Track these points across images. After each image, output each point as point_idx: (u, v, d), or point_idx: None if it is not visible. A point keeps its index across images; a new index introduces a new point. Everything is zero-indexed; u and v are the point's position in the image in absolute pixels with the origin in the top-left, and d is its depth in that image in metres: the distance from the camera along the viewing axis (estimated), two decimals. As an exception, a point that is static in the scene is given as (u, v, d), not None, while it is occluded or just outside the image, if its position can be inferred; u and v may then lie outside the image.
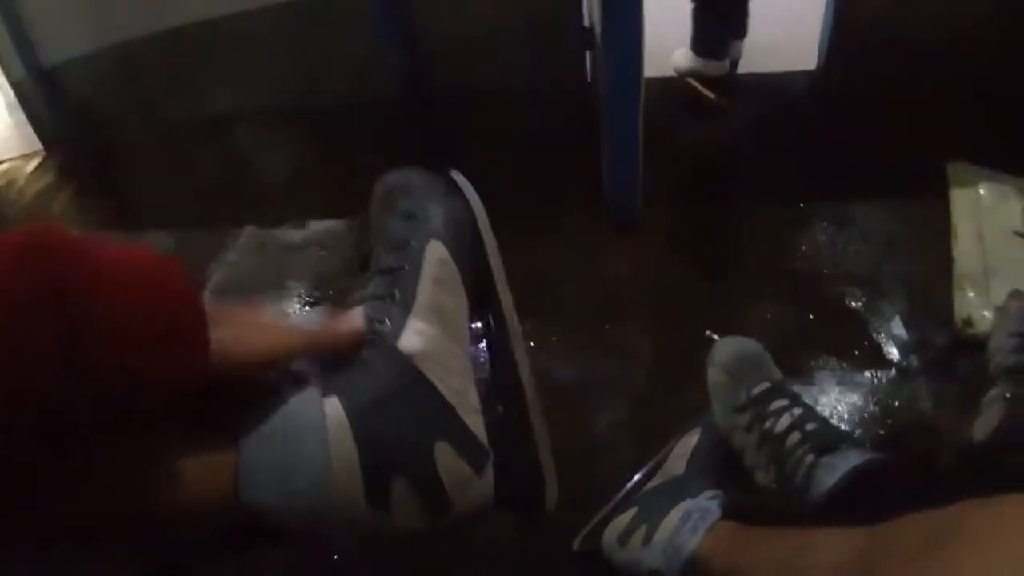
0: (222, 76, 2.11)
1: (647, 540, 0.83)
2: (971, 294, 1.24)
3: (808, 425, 0.89)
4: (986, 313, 1.20)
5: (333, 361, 0.58)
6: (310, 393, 0.53)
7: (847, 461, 0.83)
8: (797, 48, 1.89)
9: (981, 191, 1.41)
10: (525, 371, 0.65)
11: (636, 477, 0.99)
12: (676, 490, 0.87)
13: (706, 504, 0.81)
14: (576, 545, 0.96)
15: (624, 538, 0.87)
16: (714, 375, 1.01)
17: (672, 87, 1.85)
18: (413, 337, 0.58)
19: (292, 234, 1.63)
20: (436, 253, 0.64)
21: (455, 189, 0.68)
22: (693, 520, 0.79)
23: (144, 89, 2.17)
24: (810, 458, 0.85)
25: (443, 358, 0.59)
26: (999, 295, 1.22)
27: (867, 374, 1.17)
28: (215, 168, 1.95)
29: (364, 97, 2.02)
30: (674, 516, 0.81)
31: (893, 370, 1.17)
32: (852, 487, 0.81)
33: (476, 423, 0.59)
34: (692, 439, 0.95)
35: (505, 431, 0.62)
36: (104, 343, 0.42)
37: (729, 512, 0.79)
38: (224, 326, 0.50)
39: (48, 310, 0.41)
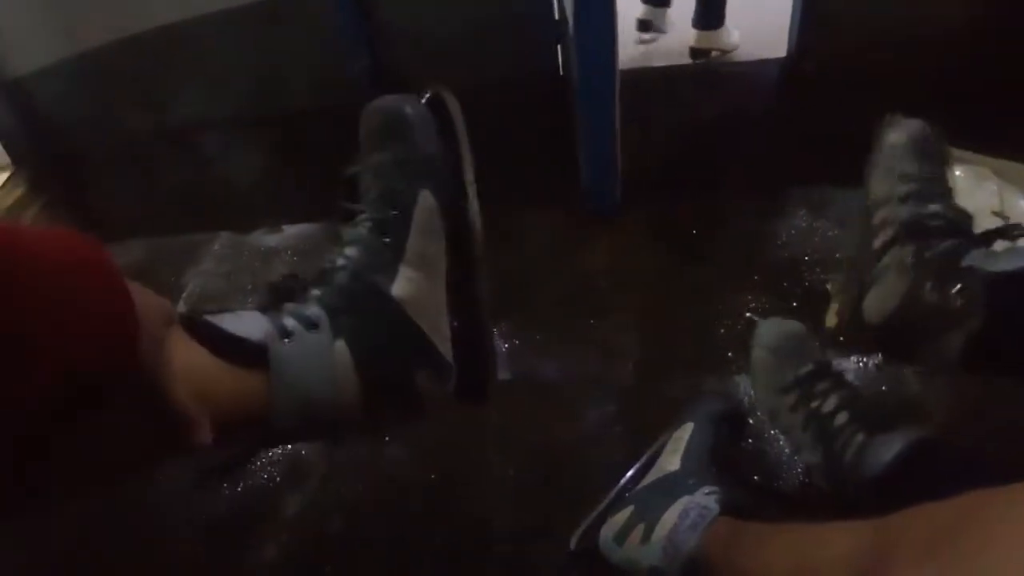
0: (188, 82, 2.08)
1: (645, 538, 0.82)
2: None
3: (856, 405, 0.89)
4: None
5: None
6: (323, 337, 0.64)
7: (904, 437, 0.82)
8: (768, 36, 1.90)
9: (957, 172, 1.41)
10: (485, 293, 0.76)
11: (629, 473, 0.98)
12: (672, 487, 0.86)
13: (704, 500, 0.80)
14: (573, 544, 0.95)
15: (621, 537, 0.86)
16: (759, 355, 1.00)
17: (645, 77, 1.84)
18: (403, 283, 0.69)
19: (267, 239, 1.60)
20: (426, 203, 0.72)
21: (442, 109, 0.76)
22: (692, 517, 0.78)
23: (111, 98, 2.13)
24: (860, 437, 0.85)
25: (425, 299, 0.71)
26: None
27: (852, 359, 1.17)
28: (185, 176, 1.92)
29: (332, 98, 1.99)
30: (672, 513, 0.80)
31: (878, 354, 1.17)
32: (907, 464, 0.80)
33: (446, 347, 0.72)
34: (684, 433, 0.94)
35: (460, 340, 0.74)
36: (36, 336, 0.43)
37: (727, 508, 0.79)
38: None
39: None
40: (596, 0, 1.21)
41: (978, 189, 1.38)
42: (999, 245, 0.82)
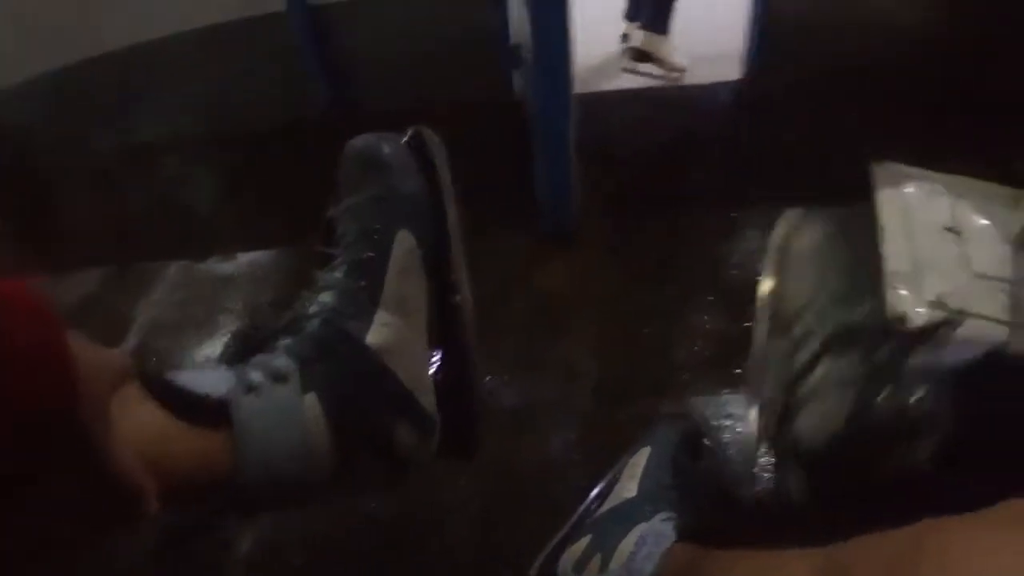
0: (146, 104, 2.05)
1: (603, 568, 0.81)
2: (903, 292, 1.25)
3: None
4: (920, 309, 1.22)
5: None
6: (292, 390, 0.60)
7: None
8: (722, 58, 1.93)
9: (908, 190, 1.43)
10: (472, 339, 0.74)
11: (587, 500, 0.97)
12: (629, 514, 0.85)
13: (660, 527, 0.79)
14: (532, 574, 0.94)
15: (580, 566, 0.85)
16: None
17: (601, 100, 1.86)
18: (380, 330, 0.65)
19: (221, 267, 1.58)
20: (404, 244, 0.69)
21: (423, 148, 0.73)
22: (649, 545, 0.77)
23: (67, 121, 2.10)
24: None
25: (405, 347, 0.67)
26: (932, 291, 1.24)
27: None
28: (142, 200, 1.89)
29: (290, 121, 1.99)
30: (629, 542, 0.80)
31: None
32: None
33: (428, 399, 0.68)
34: (641, 459, 0.93)
35: (445, 392, 0.71)
36: None
37: (684, 534, 0.78)
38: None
39: None
40: (551, 27, 1.22)
41: (929, 205, 1.40)
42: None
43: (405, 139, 0.74)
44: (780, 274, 0.86)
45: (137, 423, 0.53)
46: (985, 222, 1.34)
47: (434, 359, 0.72)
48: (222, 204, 1.79)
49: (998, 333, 1.16)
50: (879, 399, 0.71)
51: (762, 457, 0.88)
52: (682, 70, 2.36)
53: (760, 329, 0.89)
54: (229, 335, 0.95)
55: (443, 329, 0.72)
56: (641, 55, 2.42)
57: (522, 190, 1.50)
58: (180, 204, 1.83)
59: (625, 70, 2.48)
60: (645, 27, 2.42)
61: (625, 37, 2.70)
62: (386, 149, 0.71)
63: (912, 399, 0.69)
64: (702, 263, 1.38)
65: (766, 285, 0.88)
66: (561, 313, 1.34)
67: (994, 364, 0.70)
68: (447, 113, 1.84)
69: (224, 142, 1.97)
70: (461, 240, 0.73)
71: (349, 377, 0.63)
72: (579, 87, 1.32)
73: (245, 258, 1.59)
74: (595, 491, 0.97)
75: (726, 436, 1.09)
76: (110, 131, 2.07)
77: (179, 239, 1.70)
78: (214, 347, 1.38)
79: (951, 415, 0.67)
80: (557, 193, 1.44)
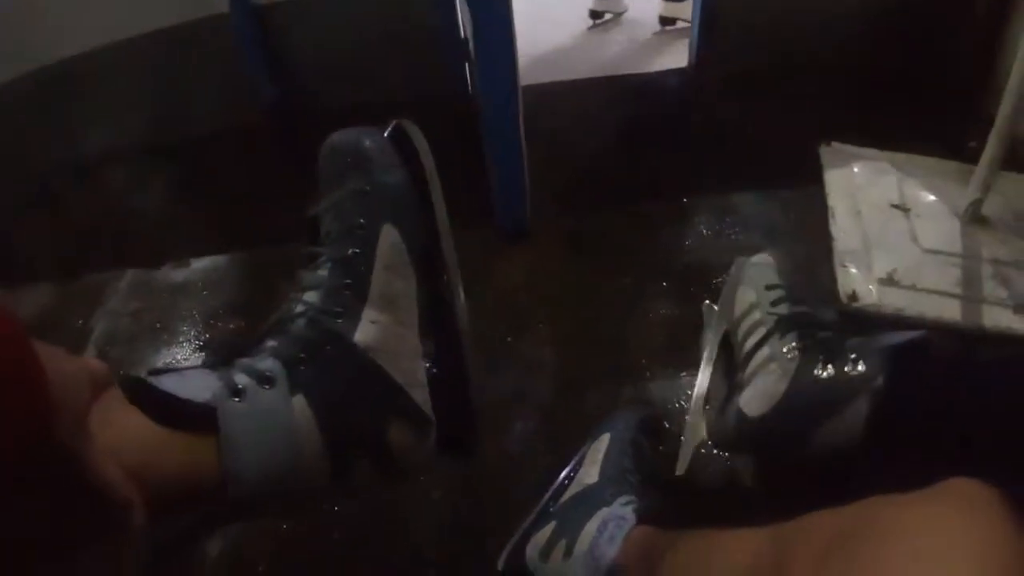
0: (91, 115, 2.01)
1: (568, 553, 0.82)
2: (853, 270, 1.28)
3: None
4: (870, 287, 1.25)
5: None
6: (279, 392, 0.58)
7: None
8: (670, 46, 1.94)
9: (855, 169, 1.47)
10: (466, 331, 0.71)
11: (552, 488, 0.98)
12: (591, 499, 0.87)
13: (621, 511, 0.81)
14: (501, 564, 0.95)
15: (546, 553, 0.86)
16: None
17: (553, 92, 1.86)
18: (368, 327, 0.64)
19: (174, 275, 1.56)
20: (388, 238, 0.67)
21: (405, 141, 0.72)
22: (610, 529, 0.79)
23: (9, 136, 2.05)
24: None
25: (394, 343, 0.65)
26: (882, 268, 1.27)
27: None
28: (91, 212, 1.86)
29: (237, 123, 1.96)
30: (591, 527, 0.81)
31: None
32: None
33: (422, 396, 0.66)
34: (602, 445, 0.95)
35: (440, 388, 0.69)
36: None
37: (644, 517, 0.80)
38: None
39: None
40: (494, 19, 1.22)
41: (876, 183, 1.43)
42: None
43: (387, 132, 0.73)
44: (734, 284, 0.97)
45: (120, 432, 0.51)
46: (933, 198, 1.38)
47: (427, 354, 0.69)
48: (172, 211, 1.76)
49: (950, 307, 1.21)
50: (816, 367, 0.78)
51: (706, 446, 0.92)
52: None
53: (713, 327, 1.00)
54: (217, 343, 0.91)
55: (435, 323, 0.70)
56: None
57: (477, 187, 1.50)
58: (130, 213, 1.80)
59: (655, 34, 2.57)
60: None
61: (593, 14, 2.73)
62: (367, 142, 0.70)
63: (847, 366, 0.76)
64: (655, 250, 1.40)
65: (723, 298, 1.00)
66: (519, 307, 1.34)
67: (921, 348, 0.75)
68: (398, 110, 1.84)
69: (171, 148, 1.94)
70: (450, 231, 0.71)
71: (338, 377, 0.62)
72: (529, 79, 1.32)
73: (199, 264, 1.57)
74: (559, 478, 0.98)
75: (686, 419, 1.11)
76: (51, 146, 2.03)
77: (131, 248, 1.68)
78: (172, 355, 1.36)
79: (882, 382, 0.73)
80: (510, 188, 1.44)
